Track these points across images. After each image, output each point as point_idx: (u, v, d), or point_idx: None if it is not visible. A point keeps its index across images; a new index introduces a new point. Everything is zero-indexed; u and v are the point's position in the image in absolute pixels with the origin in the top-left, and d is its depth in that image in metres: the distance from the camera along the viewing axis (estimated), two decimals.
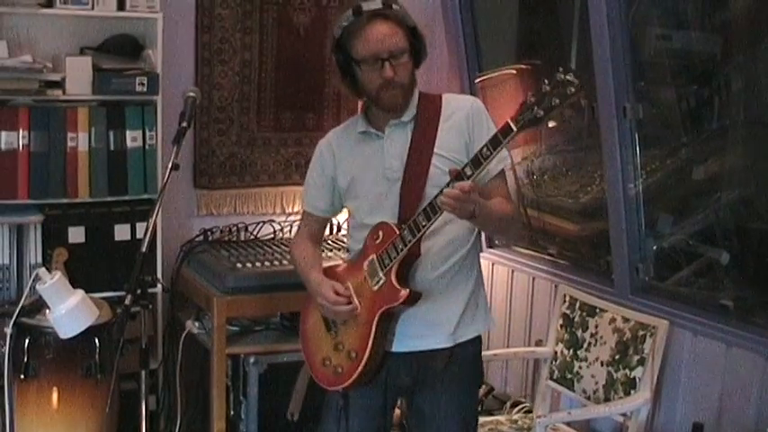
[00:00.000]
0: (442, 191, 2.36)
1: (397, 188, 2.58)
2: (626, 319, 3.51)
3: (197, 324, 3.75)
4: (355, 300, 2.59)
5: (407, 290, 2.52)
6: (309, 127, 4.33)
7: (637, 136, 3.56)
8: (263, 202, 4.29)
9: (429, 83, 3.62)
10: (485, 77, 4.39)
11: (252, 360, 3.58)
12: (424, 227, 2.45)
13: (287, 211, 4.28)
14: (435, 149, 2.58)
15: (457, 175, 2.34)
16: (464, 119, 2.61)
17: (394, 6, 2.55)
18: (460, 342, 2.66)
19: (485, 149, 2.33)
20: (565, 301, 3.78)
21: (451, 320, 2.64)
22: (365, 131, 2.67)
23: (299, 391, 3.48)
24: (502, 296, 4.32)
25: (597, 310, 3.64)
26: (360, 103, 2.81)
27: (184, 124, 2.69)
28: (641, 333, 3.43)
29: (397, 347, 2.64)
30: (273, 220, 4.22)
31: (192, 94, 2.76)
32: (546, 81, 2.24)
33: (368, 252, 2.61)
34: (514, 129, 2.28)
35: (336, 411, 2.67)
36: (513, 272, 4.27)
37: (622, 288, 3.66)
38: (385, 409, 2.74)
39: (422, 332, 2.63)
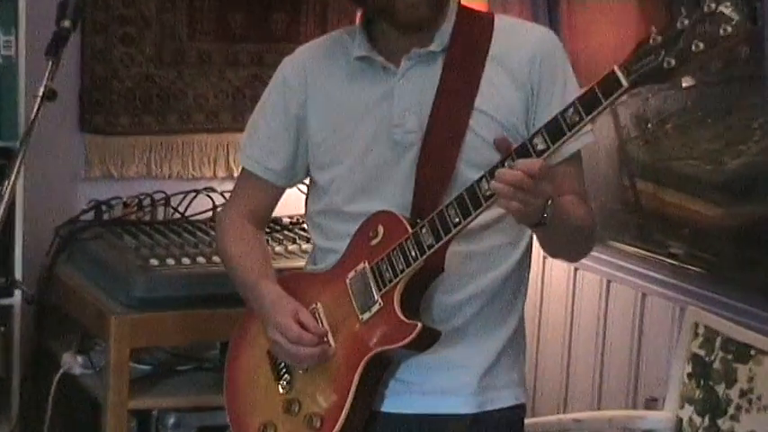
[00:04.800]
0: (491, 171, 2.13)
1: (410, 159, 2.34)
2: None
3: (80, 359, 3.40)
4: (330, 337, 2.35)
5: (419, 324, 2.25)
6: (277, 35, 3.99)
7: None
8: (195, 159, 3.92)
9: None
10: None
11: (172, 420, 3.31)
12: (456, 226, 2.19)
13: (235, 174, 3.81)
14: (477, 104, 2.32)
15: (519, 150, 2.10)
16: (527, 62, 2.36)
17: None
18: (489, 410, 2.40)
19: (571, 112, 2.04)
20: (697, 335, 3.33)
21: (478, 371, 2.40)
22: (366, 58, 2.39)
23: None
24: (589, 323, 3.83)
25: (752, 352, 3.20)
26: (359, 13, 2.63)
27: (66, 24, 2.43)
28: None
29: (389, 406, 2.38)
30: (213, 189, 3.82)
31: None
32: (683, 10, 1.97)
33: (355, 258, 2.37)
34: (624, 84, 1.98)
35: None
36: (608, 283, 3.76)
37: None
38: None
39: (431, 386, 2.37)
